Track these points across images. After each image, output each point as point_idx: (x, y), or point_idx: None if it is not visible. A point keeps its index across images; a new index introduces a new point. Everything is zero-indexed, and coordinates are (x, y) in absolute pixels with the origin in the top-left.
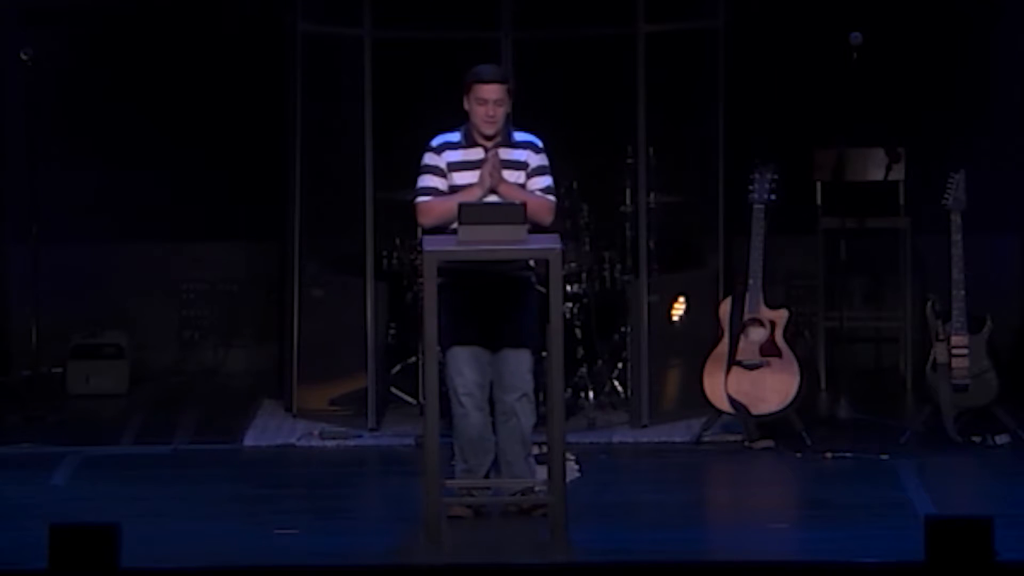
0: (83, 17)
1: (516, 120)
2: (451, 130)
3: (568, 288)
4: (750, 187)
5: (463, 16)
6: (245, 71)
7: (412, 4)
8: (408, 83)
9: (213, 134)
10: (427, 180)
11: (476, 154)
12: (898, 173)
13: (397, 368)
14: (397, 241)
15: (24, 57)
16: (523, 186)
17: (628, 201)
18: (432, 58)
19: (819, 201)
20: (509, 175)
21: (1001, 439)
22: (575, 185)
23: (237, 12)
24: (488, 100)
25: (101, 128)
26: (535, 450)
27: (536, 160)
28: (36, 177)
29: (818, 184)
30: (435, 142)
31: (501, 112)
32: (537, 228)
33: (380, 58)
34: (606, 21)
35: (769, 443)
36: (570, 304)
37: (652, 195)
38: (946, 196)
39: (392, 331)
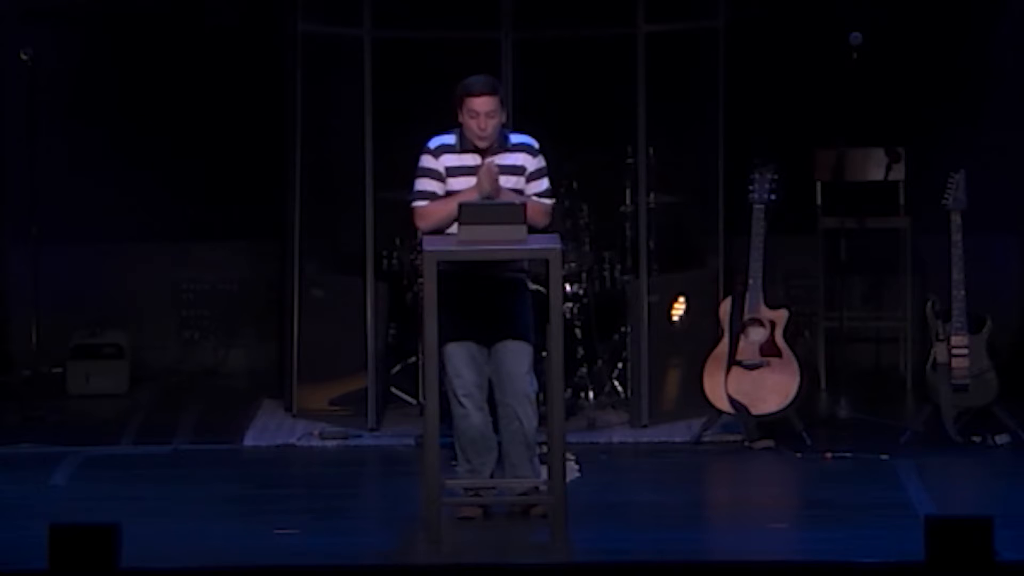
0: (83, 17)
1: (517, 120)
2: (447, 131)
3: (568, 288)
4: (750, 187)
5: (463, 16)
6: (245, 71)
7: (412, 4)
8: (408, 83)
9: (213, 134)
10: (424, 184)
11: (472, 160)
12: (898, 173)
13: (397, 368)
14: (397, 241)
15: (24, 57)
16: (521, 191)
17: (628, 201)
18: (432, 58)
19: (819, 201)
20: (506, 180)
21: (1001, 439)
22: (575, 185)
23: (237, 12)
24: (479, 113)
25: (101, 128)
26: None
27: (533, 164)
28: (36, 177)
29: (818, 184)
30: (432, 144)
31: (493, 124)
32: (533, 229)
33: (380, 58)
34: (606, 21)
35: (769, 443)
36: (570, 304)
37: (652, 195)
38: (946, 196)
39: (392, 331)
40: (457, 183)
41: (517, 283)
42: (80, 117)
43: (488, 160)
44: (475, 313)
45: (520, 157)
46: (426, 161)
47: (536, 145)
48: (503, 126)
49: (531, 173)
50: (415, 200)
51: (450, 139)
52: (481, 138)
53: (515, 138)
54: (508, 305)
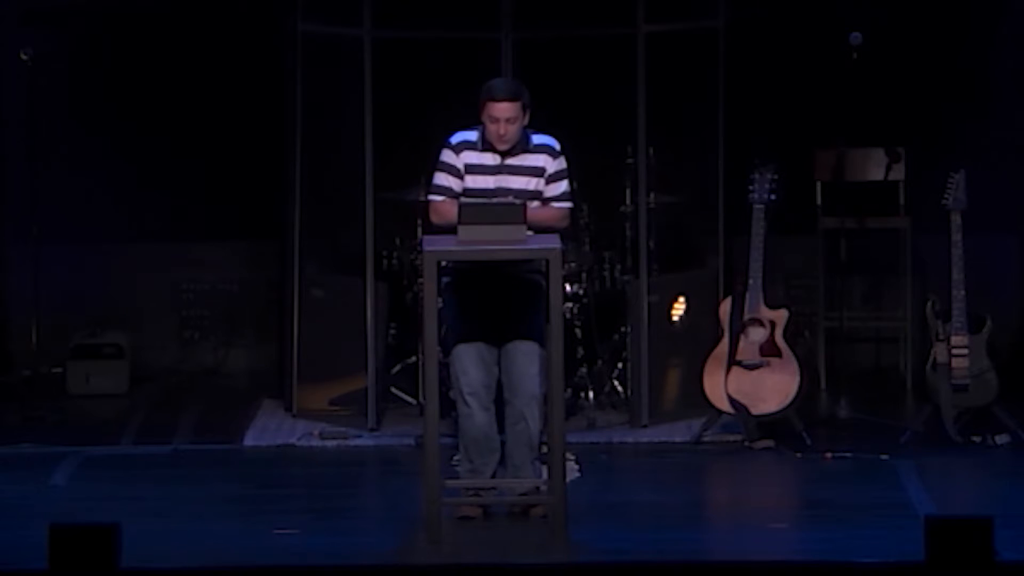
0: (83, 17)
1: None
2: (469, 127)
3: (568, 288)
4: (750, 187)
5: (463, 16)
6: (245, 71)
7: (412, 4)
8: (408, 83)
9: (213, 134)
10: (442, 179)
11: (491, 159)
12: (898, 173)
13: (397, 368)
14: (397, 241)
15: (24, 57)
16: (540, 192)
17: (628, 201)
18: (432, 58)
19: (819, 201)
20: (527, 181)
21: (1001, 439)
22: (575, 185)
23: (237, 12)
24: (500, 119)
25: (101, 128)
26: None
27: (553, 166)
28: (36, 177)
29: (818, 184)
30: (455, 140)
31: (514, 129)
32: (548, 229)
33: (380, 58)
34: (606, 21)
35: (769, 443)
36: (570, 304)
37: (652, 195)
38: (946, 196)
39: (392, 331)
40: (474, 181)
41: (532, 284)
42: (80, 117)
43: (460, 201)
44: (487, 313)
45: (541, 158)
46: (446, 156)
47: (557, 147)
48: (525, 127)
49: (550, 175)
50: (431, 194)
51: (472, 136)
52: (501, 143)
53: (537, 139)
54: (521, 305)
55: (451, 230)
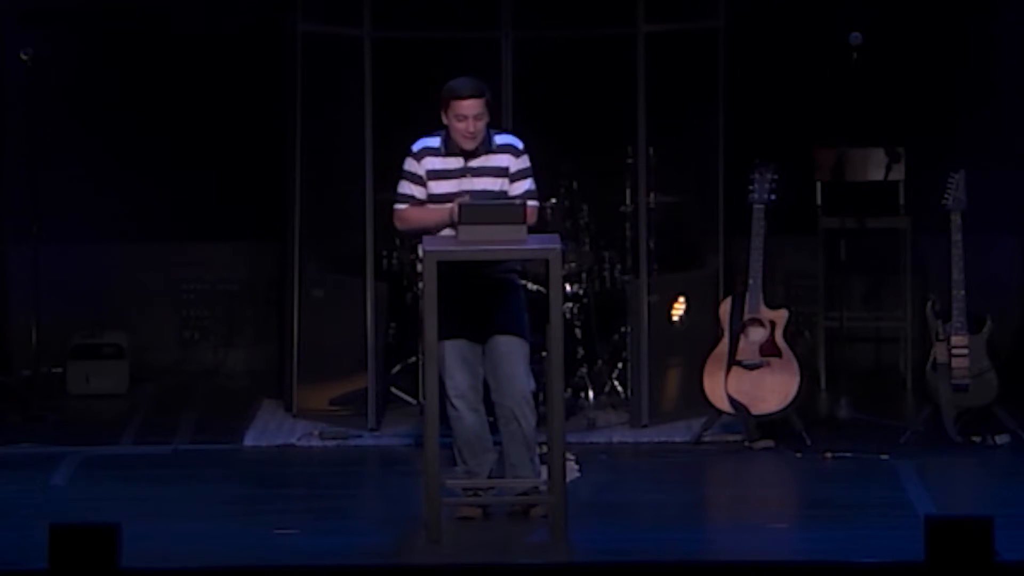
0: (83, 17)
1: (516, 120)
2: (432, 133)
3: (568, 288)
4: (750, 187)
5: (463, 16)
6: (245, 71)
7: (412, 4)
8: (408, 83)
9: (213, 134)
10: (405, 187)
11: (455, 163)
12: (898, 173)
13: (397, 368)
14: (397, 241)
15: (24, 57)
16: (506, 193)
17: (628, 201)
18: (432, 58)
19: (819, 201)
20: (491, 182)
21: (1001, 439)
22: (575, 185)
23: (237, 12)
24: (467, 116)
25: (101, 128)
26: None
27: (516, 165)
28: (36, 177)
29: (818, 184)
30: (416, 147)
31: (481, 126)
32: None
33: (380, 58)
34: (606, 21)
35: (769, 443)
36: (570, 304)
37: (652, 195)
38: (946, 196)
39: (392, 331)
40: (438, 186)
41: (507, 282)
42: (80, 117)
43: (459, 201)
44: (466, 312)
45: (504, 158)
46: (408, 164)
47: (520, 146)
48: (488, 126)
49: (513, 174)
50: (396, 202)
51: (434, 142)
52: (469, 140)
53: (499, 139)
54: (499, 302)
55: (419, 236)
